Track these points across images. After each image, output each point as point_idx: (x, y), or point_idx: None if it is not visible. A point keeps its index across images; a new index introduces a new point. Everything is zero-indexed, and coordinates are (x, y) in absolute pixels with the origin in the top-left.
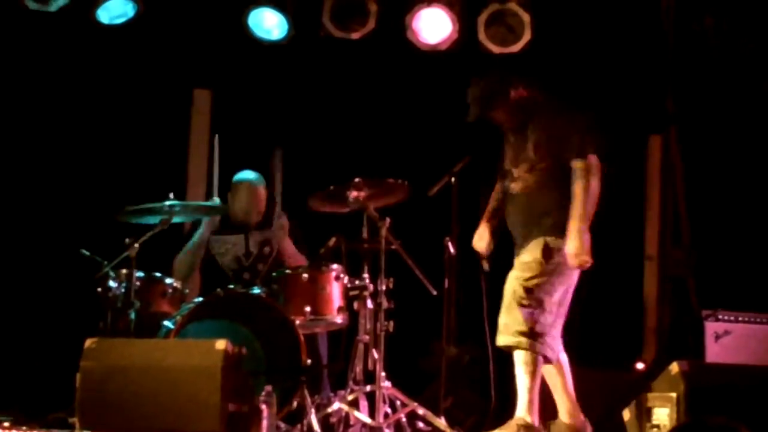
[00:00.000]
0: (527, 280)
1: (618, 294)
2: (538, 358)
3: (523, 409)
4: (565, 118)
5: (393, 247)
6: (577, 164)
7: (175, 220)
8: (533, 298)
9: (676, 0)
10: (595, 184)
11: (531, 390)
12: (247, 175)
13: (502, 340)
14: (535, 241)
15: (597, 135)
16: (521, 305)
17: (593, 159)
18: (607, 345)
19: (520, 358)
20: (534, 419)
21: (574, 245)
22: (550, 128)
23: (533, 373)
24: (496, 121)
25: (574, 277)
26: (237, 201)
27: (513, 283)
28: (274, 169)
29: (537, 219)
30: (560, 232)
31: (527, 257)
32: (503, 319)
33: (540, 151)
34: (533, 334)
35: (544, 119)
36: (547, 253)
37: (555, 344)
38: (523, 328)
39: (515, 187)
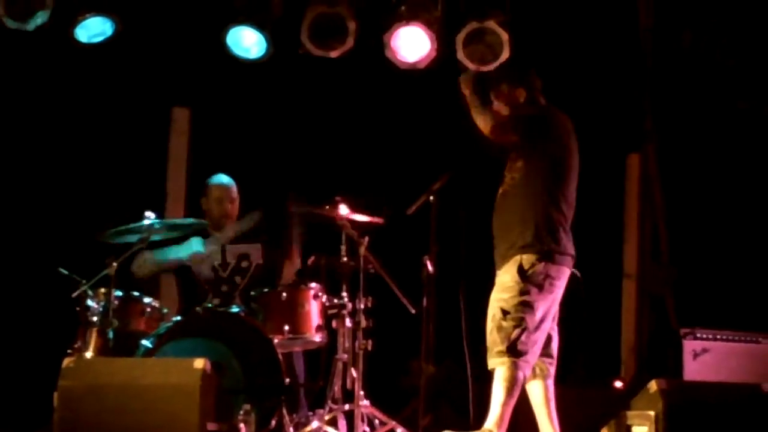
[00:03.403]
0: (506, 301)
1: (596, 311)
2: (518, 375)
3: (492, 423)
4: None
5: (371, 265)
6: None
7: (155, 237)
8: (512, 318)
9: (655, 19)
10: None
11: (504, 405)
12: (220, 176)
13: (490, 363)
14: (512, 260)
15: None
16: (500, 327)
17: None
18: (585, 363)
19: (499, 374)
20: None
21: None
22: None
23: (510, 390)
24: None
25: (557, 293)
26: (210, 198)
27: (493, 305)
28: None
29: (507, 225)
30: (535, 250)
31: (505, 277)
32: (488, 341)
33: (519, 150)
34: (514, 352)
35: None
36: (523, 271)
37: (534, 361)
38: (502, 347)
39: (500, 190)
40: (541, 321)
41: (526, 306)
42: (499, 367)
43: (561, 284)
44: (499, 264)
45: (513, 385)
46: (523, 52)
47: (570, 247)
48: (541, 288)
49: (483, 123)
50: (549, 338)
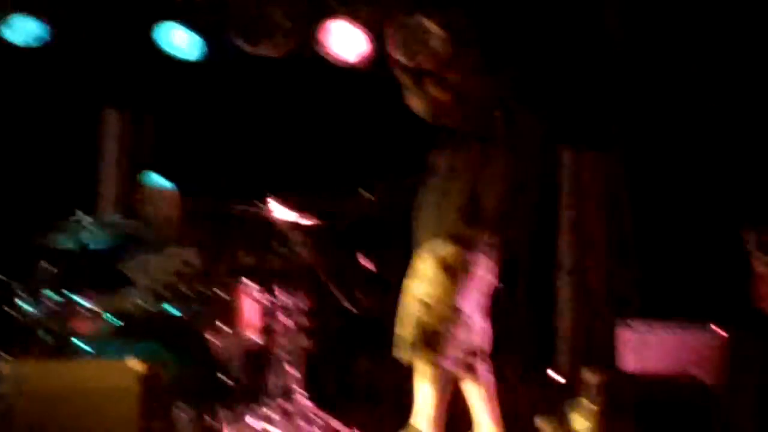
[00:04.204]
0: (423, 290)
1: (532, 303)
2: (439, 370)
3: (420, 420)
4: None
5: (310, 263)
6: None
7: (93, 245)
8: (430, 309)
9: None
10: None
11: (428, 401)
12: (159, 180)
13: (398, 353)
14: (429, 247)
15: None
16: (417, 319)
17: None
18: (521, 354)
19: (418, 369)
20: (429, 431)
21: None
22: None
23: (432, 384)
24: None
25: (479, 283)
26: (151, 207)
27: (409, 295)
28: None
29: (428, 212)
30: (453, 237)
31: (422, 265)
32: (399, 331)
33: (452, 136)
34: (432, 345)
35: None
36: (441, 260)
37: (458, 355)
38: (419, 340)
39: (425, 177)
40: (462, 312)
41: (443, 297)
42: (417, 362)
43: (483, 274)
44: (418, 251)
45: (434, 379)
46: (484, 44)
47: (489, 236)
48: (459, 277)
49: (419, 105)
50: (474, 330)
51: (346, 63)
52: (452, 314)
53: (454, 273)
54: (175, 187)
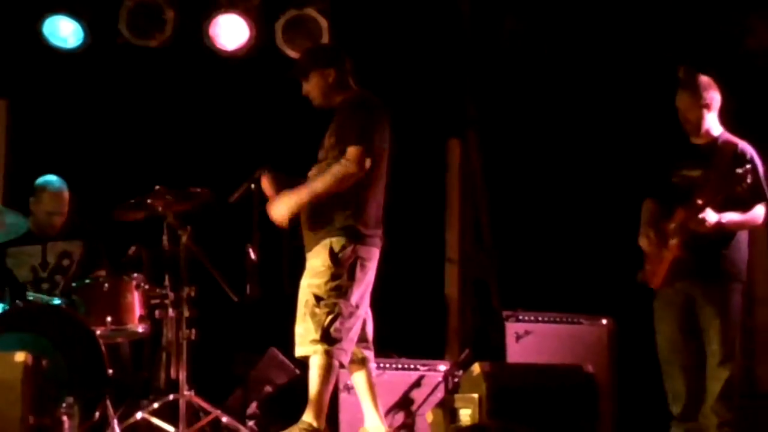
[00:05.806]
0: (318, 287)
1: (421, 296)
2: (333, 363)
3: (311, 413)
4: (363, 111)
5: (195, 254)
6: (349, 150)
7: None
8: (325, 304)
9: (474, 5)
10: (346, 174)
11: (321, 394)
12: (51, 179)
13: (299, 351)
14: (321, 243)
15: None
16: (313, 314)
17: (361, 153)
18: (410, 347)
19: (314, 362)
20: (320, 423)
21: (278, 209)
22: (347, 117)
23: (325, 377)
24: (305, 91)
25: (369, 275)
26: (41, 205)
27: (305, 291)
28: None
29: (319, 209)
30: (344, 232)
31: (316, 261)
32: (298, 329)
33: (333, 138)
34: (328, 340)
35: (347, 108)
36: (334, 255)
37: (351, 348)
38: (316, 335)
39: (312, 170)
40: (356, 306)
41: (339, 291)
42: (313, 355)
43: (373, 266)
44: (309, 247)
45: (328, 372)
46: (342, 35)
47: (378, 229)
48: (353, 271)
49: (311, 93)
50: (363, 322)
51: (229, 53)
52: (347, 307)
53: (346, 266)
54: (64, 183)
